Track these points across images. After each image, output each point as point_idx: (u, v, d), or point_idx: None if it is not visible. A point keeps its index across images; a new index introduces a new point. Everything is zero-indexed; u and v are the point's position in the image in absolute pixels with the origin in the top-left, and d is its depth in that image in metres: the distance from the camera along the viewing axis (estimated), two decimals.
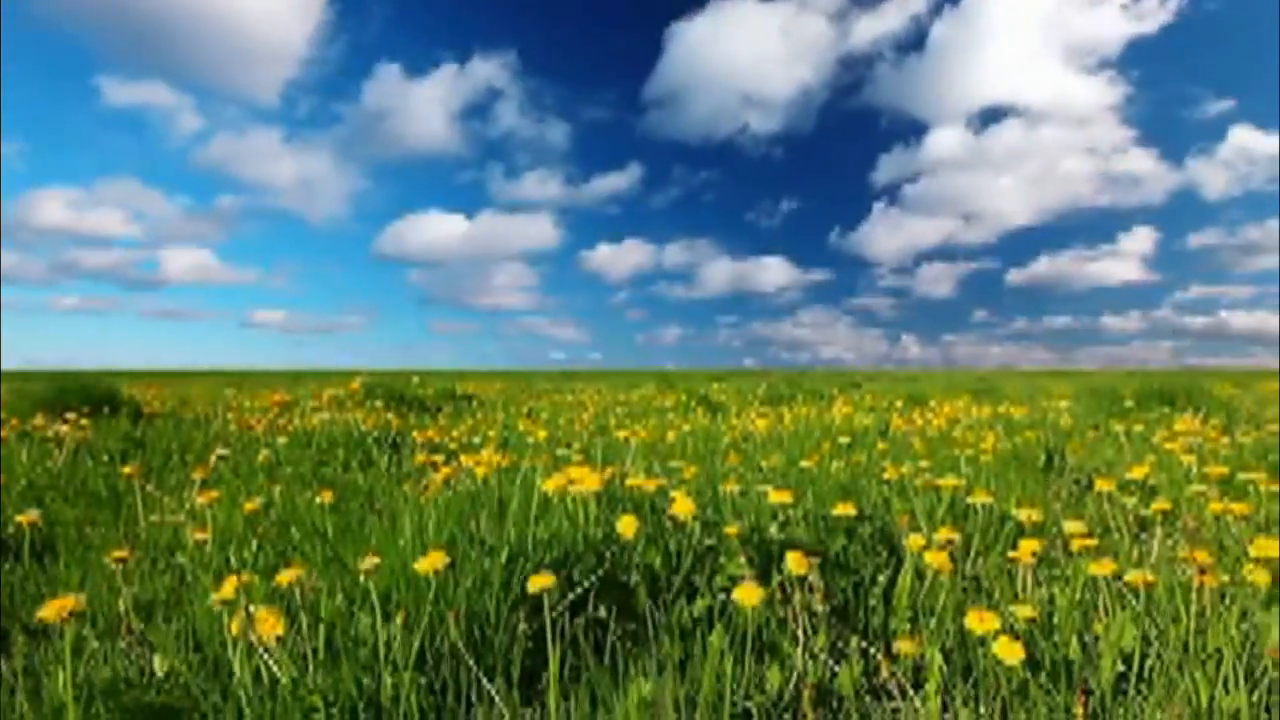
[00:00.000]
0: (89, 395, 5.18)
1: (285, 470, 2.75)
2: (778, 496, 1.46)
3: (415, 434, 3.38)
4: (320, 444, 3.11)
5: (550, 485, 1.61)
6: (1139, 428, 3.73)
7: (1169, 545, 1.93)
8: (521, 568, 1.30)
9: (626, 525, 1.38)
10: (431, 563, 1.03)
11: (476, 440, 3.19)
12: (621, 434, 3.86)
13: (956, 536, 1.52)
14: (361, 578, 1.11)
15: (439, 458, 2.68)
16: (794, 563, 1.14)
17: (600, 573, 1.27)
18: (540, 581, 1.00)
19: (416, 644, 1.06)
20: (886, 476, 2.38)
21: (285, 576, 1.18)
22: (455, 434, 3.42)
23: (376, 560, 1.11)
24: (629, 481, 1.64)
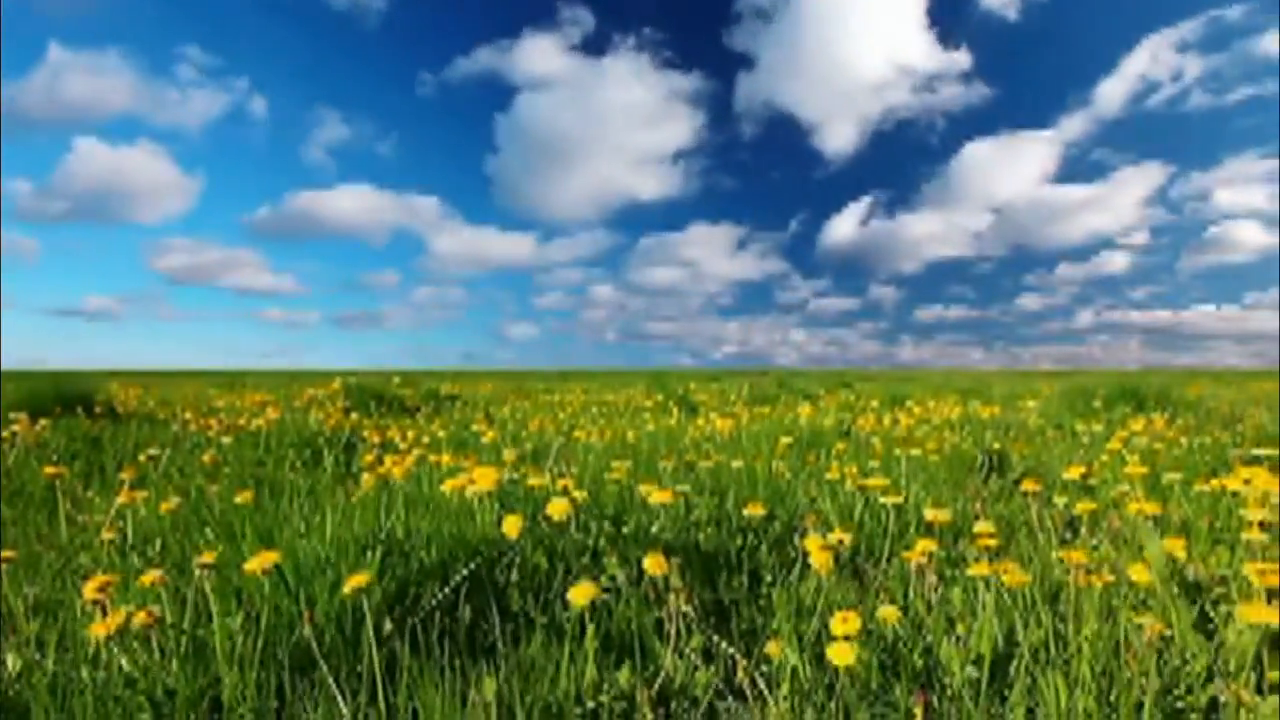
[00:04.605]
0: (62, 395, 5.21)
1: (225, 470, 2.76)
2: (659, 496, 1.46)
3: (369, 434, 3.38)
4: (269, 444, 3.12)
5: (450, 485, 1.61)
6: (1098, 427, 3.71)
7: (1093, 545, 1.92)
8: (394, 567, 1.30)
9: (510, 525, 1.37)
10: (260, 562, 1.03)
11: (425, 440, 3.20)
12: (580, 434, 3.87)
13: (848, 537, 1.51)
14: (197, 574, 1.11)
15: (390, 457, 2.68)
16: (651, 564, 1.13)
17: (467, 572, 1.27)
18: (356, 580, 1.00)
19: (261, 643, 1.06)
20: (829, 476, 2.37)
21: (148, 578, 1.19)
22: (412, 435, 3.42)
23: (209, 558, 1.11)
24: (530, 481, 1.64)
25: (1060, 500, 2.21)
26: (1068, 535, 2.08)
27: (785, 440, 2.78)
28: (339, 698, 1.04)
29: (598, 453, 3.27)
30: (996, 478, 2.60)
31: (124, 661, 1.08)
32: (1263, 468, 1.96)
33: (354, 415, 4.60)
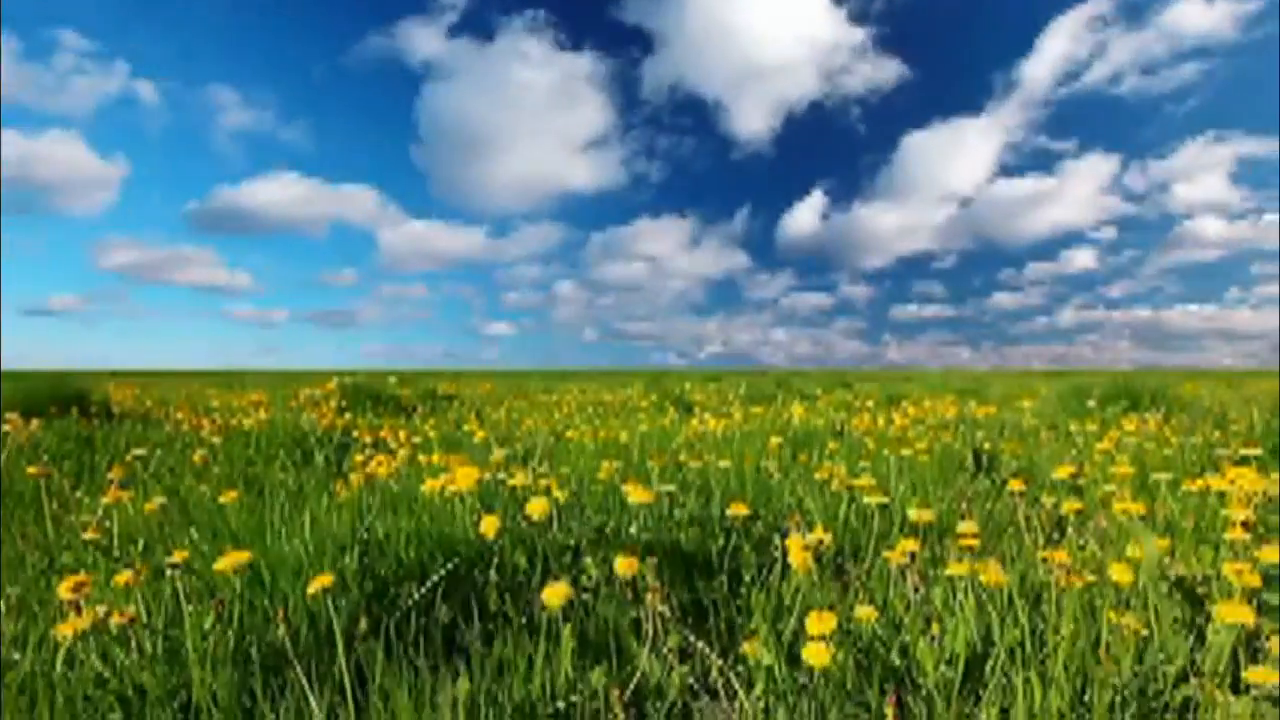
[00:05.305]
0: (57, 395, 5.21)
1: (215, 470, 2.76)
2: (639, 496, 1.46)
3: (361, 433, 3.38)
4: (260, 443, 3.12)
5: (430, 485, 1.61)
6: (1093, 427, 3.71)
7: (1079, 545, 1.92)
8: (372, 566, 1.30)
9: (488, 525, 1.37)
10: (230, 562, 1.03)
11: (417, 440, 3.20)
12: (573, 434, 3.87)
13: (829, 537, 1.51)
14: (168, 574, 1.11)
15: (380, 457, 2.68)
16: (622, 565, 1.13)
17: (446, 571, 1.27)
18: (322, 580, 1.00)
19: (234, 643, 1.06)
20: (818, 476, 2.37)
21: (123, 577, 1.19)
22: (404, 435, 3.42)
23: (181, 557, 1.11)
24: (511, 482, 1.64)
25: (1048, 500, 2.21)
26: (1055, 535, 2.08)
27: (776, 440, 2.78)
28: (310, 697, 1.04)
29: (589, 453, 3.26)
30: (985, 478, 2.60)
31: (97, 661, 1.08)
32: (1250, 468, 1.95)
33: (348, 415, 4.60)
